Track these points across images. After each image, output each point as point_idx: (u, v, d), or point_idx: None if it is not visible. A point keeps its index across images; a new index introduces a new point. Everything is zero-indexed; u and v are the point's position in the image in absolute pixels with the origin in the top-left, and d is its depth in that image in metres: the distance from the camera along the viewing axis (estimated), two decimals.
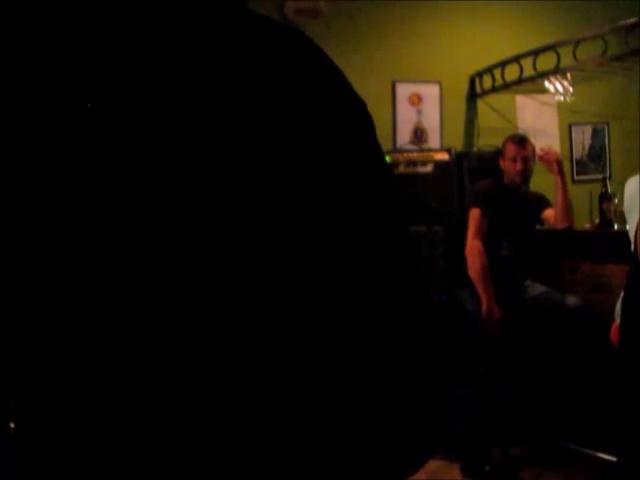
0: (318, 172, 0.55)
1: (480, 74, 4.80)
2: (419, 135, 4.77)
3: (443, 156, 4.35)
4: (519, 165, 3.59)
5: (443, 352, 0.61)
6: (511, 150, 3.65)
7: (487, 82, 4.76)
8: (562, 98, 4.42)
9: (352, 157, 0.58)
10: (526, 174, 3.64)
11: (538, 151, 3.77)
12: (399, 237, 0.60)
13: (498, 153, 3.80)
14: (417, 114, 4.79)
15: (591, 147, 5.46)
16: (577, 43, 4.00)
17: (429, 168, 4.29)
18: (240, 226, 0.53)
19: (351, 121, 0.59)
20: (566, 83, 4.29)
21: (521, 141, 3.71)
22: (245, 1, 0.60)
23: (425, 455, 0.61)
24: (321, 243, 0.55)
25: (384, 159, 0.62)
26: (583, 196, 4.61)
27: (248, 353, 0.53)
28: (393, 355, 0.57)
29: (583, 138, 5.42)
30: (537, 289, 3.64)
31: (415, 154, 4.40)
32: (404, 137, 4.74)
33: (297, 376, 0.55)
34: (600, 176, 4.75)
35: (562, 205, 3.69)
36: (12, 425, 0.51)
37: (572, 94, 4.37)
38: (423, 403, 0.59)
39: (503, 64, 4.51)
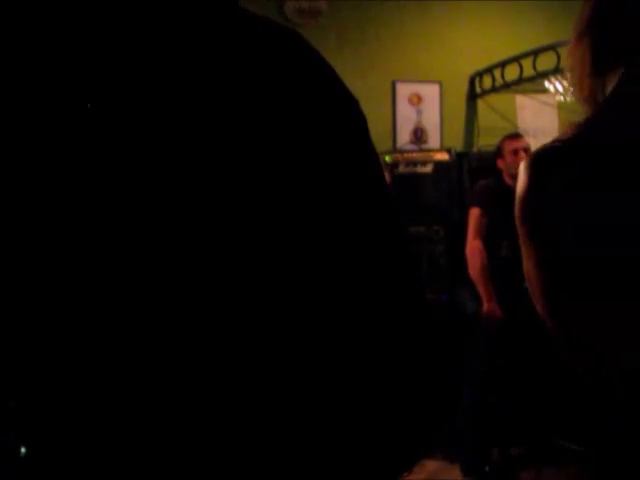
0: (312, 171, 0.56)
1: (480, 74, 4.79)
2: (419, 135, 4.77)
3: (443, 156, 4.35)
4: (522, 155, 3.61)
5: (440, 350, 0.61)
6: (510, 145, 3.68)
7: (487, 82, 4.76)
8: (562, 98, 4.42)
9: (345, 156, 0.58)
10: None
11: None
12: (393, 234, 0.60)
13: (496, 154, 3.81)
14: (417, 114, 4.78)
15: None
16: None
17: (429, 168, 4.29)
18: (238, 226, 0.53)
19: (344, 120, 0.59)
20: (566, 83, 4.29)
21: (517, 135, 3.81)
22: (237, 1, 0.60)
23: (421, 452, 0.61)
24: (317, 242, 0.55)
25: (377, 158, 0.62)
26: None
27: (246, 352, 0.53)
28: (389, 353, 0.57)
29: None
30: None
31: (415, 154, 4.40)
32: (404, 137, 4.74)
33: (294, 374, 0.55)
34: None
35: None
36: (12, 425, 0.51)
37: (572, 94, 4.37)
38: (419, 400, 0.59)
39: (503, 64, 4.51)
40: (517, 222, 0.98)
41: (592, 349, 0.98)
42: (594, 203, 0.90)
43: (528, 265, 0.99)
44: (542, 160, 0.97)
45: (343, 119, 0.59)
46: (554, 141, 0.99)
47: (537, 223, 0.95)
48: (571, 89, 1.04)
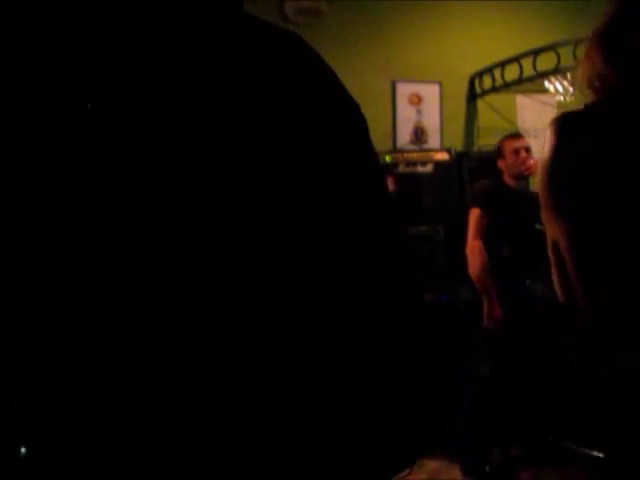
0: (312, 174, 0.56)
1: (480, 74, 4.79)
2: (419, 135, 4.77)
3: (443, 156, 4.35)
4: (523, 154, 3.62)
5: (441, 350, 0.61)
6: (511, 144, 3.68)
7: (487, 82, 4.76)
8: (562, 98, 4.42)
9: (345, 159, 0.58)
10: (530, 164, 3.64)
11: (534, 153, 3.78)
12: (392, 236, 0.61)
13: (497, 154, 3.81)
14: (417, 114, 4.78)
15: None
16: (577, 43, 3.99)
17: (429, 168, 4.29)
18: (239, 227, 0.53)
19: (344, 123, 0.59)
20: (566, 83, 4.29)
21: (517, 135, 3.82)
22: (241, 4, 0.60)
23: (420, 450, 0.61)
24: (316, 244, 0.55)
25: (377, 161, 0.62)
26: None
27: (247, 352, 0.53)
28: (388, 353, 0.57)
29: None
30: (538, 289, 3.64)
31: (415, 154, 4.40)
32: (404, 137, 4.74)
33: (294, 374, 0.55)
34: None
35: None
36: (12, 425, 0.51)
37: (572, 94, 4.37)
38: (420, 398, 0.59)
39: (503, 64, 4.51)
40: (540, 188, 1.00)
41: (594, 348, 0.99)
42: (602, 182, 0.91)
43: (552, 232, 1.00)
44: (565, 124, 0.99)
45: (343, 122, 0.59)
46: (577, 109, 1.01)
47: (556, 191, 0.97)
48: (581, 83, 1.05)
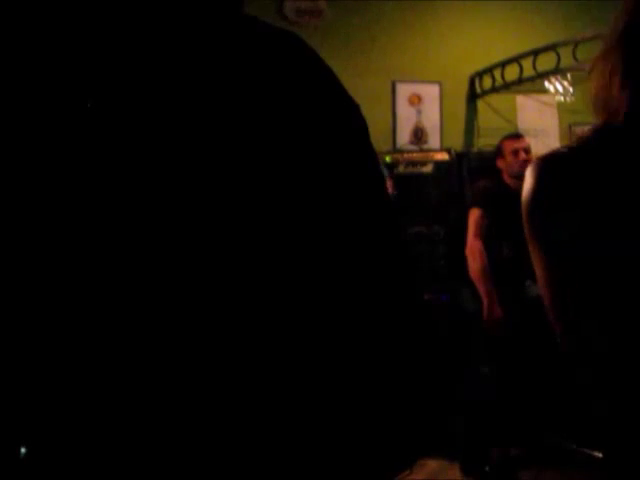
0: (311, 174, 0.56)
1: (480, 74, 4.79)
2: (419, 135, 4.77)
3: (443, 156, 4.35)
4: (522, 155, 3.62)
5: (436, 351, 0.61)
6: (511, 145, 3.69)
7: (487, 82, 4.76)
8: (562, 98, 4.42)
9: (345, 159, 0.58)
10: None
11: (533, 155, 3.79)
12: (390, 237, 0.61)
13: (497, 154, 3.81)
14: (417, 114, 4.78)
15: None
16: (577, 43, 3.99)
17: (429, 168, 4.29)
18: (238, 228, 0.53)
19: (344, 124, 0.59)
20: (566, 83, 4.29)
21: (518, 135, 3.82)
22: (240, 4, 0.60)
23: (418, 450, 0.61)
24: (315, 246, 0.55)
25: (377, 162, 0.62)
26: None
27: (246, 351, 0.53)
28: (384, 354, 0.57)
29: None
30: (538, 289, 3.64)
31: (415, 154, 4.41)
32: (404, 137, 4.74)
33: (292, 375, 0.55)
34: None
35: None
36: (14, 426, 0.51)
37: (572, 94, 4.37)
38: (415, 399, 0.59)
39: (503, 64, 4.51)
40: (524, 224, 1.00)
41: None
42: (588, 219, 0.91)
43: (535, 267, 1.00)
44: (547, 165, 0.98)
45: (343, 123, 0.59)
46: (562, 147, 1.00)
47: (539, 227, 0.97)
48: (594, 102, 1.04)
